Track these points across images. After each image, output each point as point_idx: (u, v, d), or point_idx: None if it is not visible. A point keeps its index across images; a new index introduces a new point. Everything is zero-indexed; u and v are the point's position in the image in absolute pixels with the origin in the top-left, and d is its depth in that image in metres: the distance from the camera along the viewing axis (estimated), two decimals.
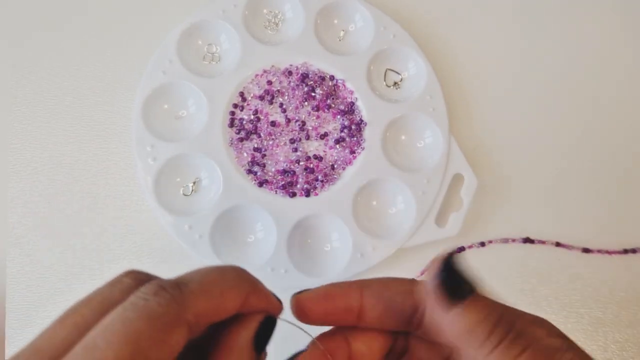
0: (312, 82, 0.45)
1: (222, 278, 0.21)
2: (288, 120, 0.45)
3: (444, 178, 0.44)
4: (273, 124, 0.45)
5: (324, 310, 0.23)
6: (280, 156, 0.44)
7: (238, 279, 0.21)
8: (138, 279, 0.20)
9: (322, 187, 0.44)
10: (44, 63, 0.47)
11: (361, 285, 0.23)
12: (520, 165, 0.48)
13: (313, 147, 0.45)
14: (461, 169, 0.45)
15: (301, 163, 0.44)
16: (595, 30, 0.52)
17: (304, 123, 0.45)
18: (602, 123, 0.50)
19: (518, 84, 0.50)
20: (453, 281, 0.21)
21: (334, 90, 0.46)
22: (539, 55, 0.51)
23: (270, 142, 0.45)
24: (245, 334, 0.21)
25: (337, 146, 0.45)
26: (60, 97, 0.46)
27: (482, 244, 0.46)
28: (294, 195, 0.43)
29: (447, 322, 0.22)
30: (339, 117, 0.45)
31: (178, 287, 0.19)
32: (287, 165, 0.44)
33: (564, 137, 0.49)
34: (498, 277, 0.45)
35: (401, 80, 0.47)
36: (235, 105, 0.45)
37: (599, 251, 0.46)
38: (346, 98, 0.46)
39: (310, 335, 0.24)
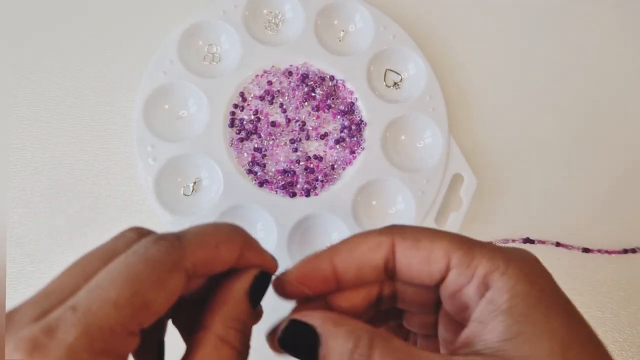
0: (312, 83, 0.45)
1: (218, 231, 0.22)
2: (288, 121, 0.45)
3: (444, 178, 0.45)
4: (273, 124, 0.45)
5: (305, 289, 0.24)
6: (280, 156, 0.44)
7: (233, 232, 0.23)
8: (141, 232, 0.22)
9: (322, 187, 0.44)
10: (45, 63, 0.47)
11: (330, 254, 0.24)
12: (520, 165, 0.48)
13: (313, 147, 0.45)
14: (461, 169, 0.45)
15: (301, 163, 0.44)
16: (595, 31, 0.52)
17: (304, 123, 0.45)
18: (602, 123, 0.50)
19: (518, 84, 0.50)
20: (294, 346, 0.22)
21: (334, 90, 0.46)
22: (538, 56, 0.51)
23: (271, 142, 0.45)
24: (240, 286, 0.23)
25: (337, 146, 0.45)
26: (61, 97, 0.46)
27: None
28: (294, 195, 0.43)
29: (417, 262, 0.23)
30: (339, 117, 0.45)
31: (177, 238, 0.21)
32: (287, 165, 0.44)
33: (563, 137, 0.49)
34: None
35: (401, 80, 0.48)
36: (236, 106, 0.45)
37: (599, 251, 0.46)
38: (346, 98, 0.46)
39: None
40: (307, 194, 0.44)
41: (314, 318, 0.21)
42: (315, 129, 0.45)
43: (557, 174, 0.48)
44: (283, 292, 0.24)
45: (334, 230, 0.43)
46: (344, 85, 0.46)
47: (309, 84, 0.45)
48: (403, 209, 0.44)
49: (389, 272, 0.24)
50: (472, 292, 0.22)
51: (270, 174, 0.44)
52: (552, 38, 0.51)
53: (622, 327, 0.45)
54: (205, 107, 0.44)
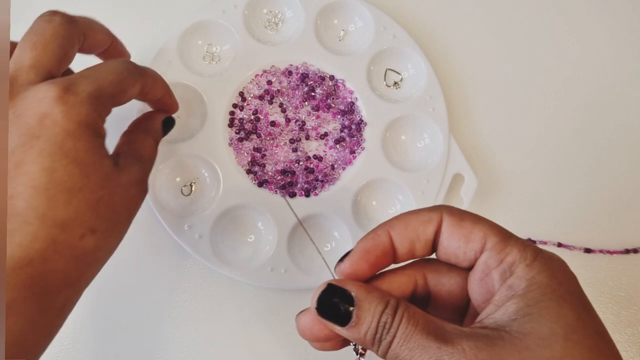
0: (312, 82, 0.45)
1: (115, 66, 0.31)
2: (288, 120, 0.45)
3: (444, 178, 0.44)
4: (273, 124, 0.45)
5: (368, 265, 0.26)
6: (280, 156, 0.44)
7: (132, 66, 0.32)
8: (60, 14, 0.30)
9: (322, 187, 0.44)
10: None
11: (387, 228, 0.26)
12: (520, 165, 0.48)
13: (313, 147, 0.45)
14: (461, 168, 0.45)
15: (301, 163, 0.44)
16: (596, 31, 0.52)
17: (303, 123, 0.45)
18: (603, 122, 0.50)
19: (518, 83, 0.50)
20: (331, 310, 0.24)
21: (334, 90, 0.46)
22: (539, 56, 0.51)
23: (270, 142, 0.45)
24: (157, 121, 0.36)
25: (337, 146, 0.45)
26: None
27: None
28: (293, 195, 0.43)
29: (457, 238, 0.25)
30: (339, 117, 0.45)
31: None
32: (286, 165, 0.44)
33: (564, 137, 0.49)
34: None
35: (401, 80, 0.47)
36: (235, 105, 0.45)
37: (601, 251, 0.46)
38: (346, 98, 0.46)
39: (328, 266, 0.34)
40: (307, 194, 0.43)
41: (348, 284, 0.24)
42: (315, 128, 0.45)
43: (558, 174, 0.48)
44: (345, 272, 0.26)
45: (334, 230, 0.43)
46: (344, 85, 0.46)
47: (308, 83, 0.45)
48: (403, 209, 0.44)
49: (434, 247, 0.26)
50: (497, 276, 0.24)
51: (270, 173, 0.44)
52: (553, 38, 0.51)
53: (623, 328, 0.45)
54: (205, 106, 0.44)
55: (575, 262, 0.46)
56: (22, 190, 0.25)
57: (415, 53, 0.47)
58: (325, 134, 0.45)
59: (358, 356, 0.25)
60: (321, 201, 0.43)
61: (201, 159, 0.43)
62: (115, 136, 0.34)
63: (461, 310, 0.27)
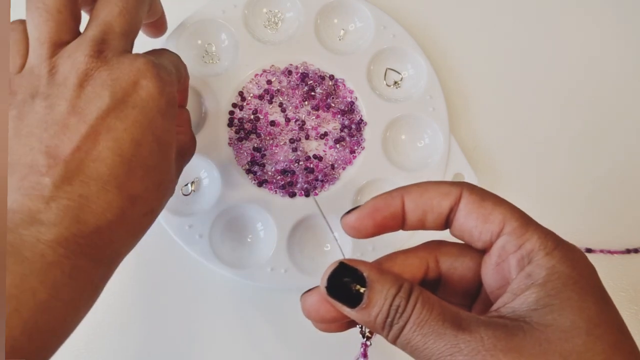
0: (311, 82, 0.45)
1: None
2: (287, 120, 0.45)
3: (444, 178, 0.44)
4: (272, 123, 0.45)
5: (374, 223, 0.25)
6: (279, 156, 0.44)
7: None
8: None
9: (322, 187, 0.44)
10: None
11: (402, 193, 0.25)
12: (520, 165, 0.48)
13: (313, 147, 0.45)
14: (461, 168, 0.45)
15: (301, 163, 0.44)
16: (596, 31, 0.52)
17: (303, 123, 0.45)
18: (603, 122, 0.50)
19: (518, 83, 0.50)
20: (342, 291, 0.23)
21: (334, 89, 0.46)
22: (539, 55, 0.51)
23: (270, 142, 0.44)
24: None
25: (337, 146, 0.45)
26: None
27: None
28: (293, 195, 0.43)
29: (475, 217, 0.24)
30: (338, 116, 0.45)
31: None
32: (286, 165, 0.44)
33: (565, 137, 0.49)
34: None
35: (401, 79, 0.47)
36: (235, 105, 0.44)
37: (602, 251, 0.46)
38: (346, 98, 0.46)
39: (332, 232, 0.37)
40: (307, 194, 0.43)
41: (360, 265, 0.23)
42: (314, 128, 0.45)
43: (559, 173, 0.48)
44: (350, 224, 0.25)
45: (334, 230, 0.43)
46: (344, 85, 0.46)
47: (308, 83, 0.45)
48: None
49: (448, 223, 0.25)
50: (514, 263, 0.23)
51: (270, 173, 0.44)
52: (553, 37, 0.51)
53: None
54: (204, 106, 0.44)
55: None
56: (107, 155, 0.25)
57: (416, 53, 0.46)
58: (325, 134, 0.45)
59: (365, 339, 0.24)
60: (321, 201, 0.43)
61: (201, 159, 0.43)
62: None
63: (471, 296, 0.26)
